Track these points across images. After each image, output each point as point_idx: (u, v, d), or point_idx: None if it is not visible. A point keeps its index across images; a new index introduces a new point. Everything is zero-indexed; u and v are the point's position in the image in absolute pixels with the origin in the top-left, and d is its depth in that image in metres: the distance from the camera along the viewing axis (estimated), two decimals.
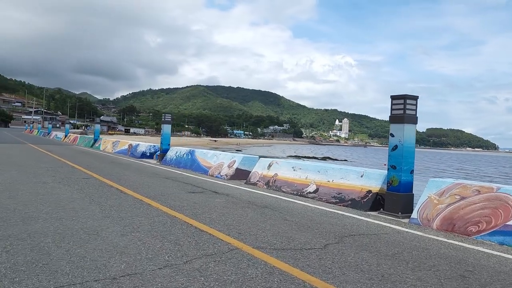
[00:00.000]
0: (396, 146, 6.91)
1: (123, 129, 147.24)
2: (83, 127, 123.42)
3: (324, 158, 64.13)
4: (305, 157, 65.11)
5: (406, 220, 6.57)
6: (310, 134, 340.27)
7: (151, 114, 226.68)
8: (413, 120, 6.88)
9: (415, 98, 6.90)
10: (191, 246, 4.33)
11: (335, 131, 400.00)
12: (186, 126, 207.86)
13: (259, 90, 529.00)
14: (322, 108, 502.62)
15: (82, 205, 6.36)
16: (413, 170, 6.95)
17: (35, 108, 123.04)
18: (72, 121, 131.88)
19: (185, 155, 14.36)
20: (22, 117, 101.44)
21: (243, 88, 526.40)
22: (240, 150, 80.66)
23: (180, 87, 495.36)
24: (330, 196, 8.07)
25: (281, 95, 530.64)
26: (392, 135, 6.99)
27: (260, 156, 11.47)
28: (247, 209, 6.75)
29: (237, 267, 3.72)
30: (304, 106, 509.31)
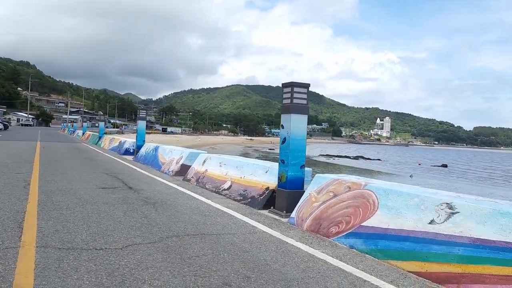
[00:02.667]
0: (285, 139, 6.32)
1: (161, 128, 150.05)
2: (122, 126, 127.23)
3: (356, 157, 62.72)
4: (336, 156, 63.96)
5: (286, 220, 6.00)
6: (350, 133, 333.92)
7: (190, 113, 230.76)
8: (303, 110, 6.27)
9: (306, 86, 6.29)
10: None
11: (376, 130, 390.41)
12: (224, 125, 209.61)
13: None
14: (363, 107, 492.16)
15: None
16: (303, 165, 6.34)
17: (76, 108, 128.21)
18: (112, 121, 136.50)
19: (151, 151, 14.20)
20: (63, 117, 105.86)
21: None
22: (272, 149, 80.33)
23: (220, 86, 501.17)
24: (237, 194, 7.58)
25: (320, 93, 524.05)
26: (282, 127, 6.42)
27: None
28: (124, 206, 6.39)
29: None
30: (344, 105, 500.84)
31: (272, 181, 6.91)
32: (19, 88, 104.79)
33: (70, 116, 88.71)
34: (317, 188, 5.82)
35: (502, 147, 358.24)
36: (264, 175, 7.23)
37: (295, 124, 6.21)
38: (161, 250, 4.16)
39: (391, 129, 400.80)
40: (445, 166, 54.09)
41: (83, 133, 37.99)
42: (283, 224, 5.73)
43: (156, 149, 13.84)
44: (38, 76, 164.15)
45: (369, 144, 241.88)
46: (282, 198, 6.27)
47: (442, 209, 4.08)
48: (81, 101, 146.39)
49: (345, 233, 4.88)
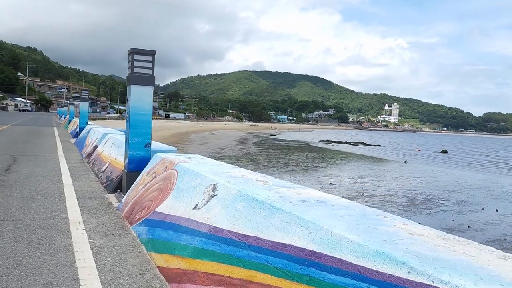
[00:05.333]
0: (128, 114, 5.61)
1: (164, 114, 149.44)
2: (125, 112, 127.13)
3: (356, 143, 61.91)
4: (336, 142, 63.12)
5: (118, 204, 5.31)
6: (357, 120, 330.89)
7: (196, 99, 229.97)
8: (146, 80, 5.53)
9: (150, 53, 5.53)
10: None
11: (384, 116, 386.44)
12: (230, 111, 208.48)
13: (306, 75, 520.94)
14: (371, 93, 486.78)
15: None
16: (149, 144, 5.62)
17: (78, 94, 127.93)
18: (116, 106, 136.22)
19: (86, 133, 13.57)
20: (63, 102, 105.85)
21: (290, 73, 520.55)
22: (274, 135, 79.69)
23: (227, 72, 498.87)
24: (105, 176, 6.91)
25: (328, 79, 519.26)
26: (128, 100, 5.69)
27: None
28: None
29: None
30: (352, 91, 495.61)
31: None
32: (19, 74, 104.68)
33: (66, 101, 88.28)
34: (148, 169, 5.13)
35: None
36: None
37: (137, 97, 5.49)
38: None
39: (399, 115, 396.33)
40: (445, 152, 53.00)
41: (64, 117, 37.65)
42: (105, 210, 5.05)
43: (89, 130, 13.20)
44: (45, 62, 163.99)
45: (376, 130, 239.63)
46: (125, 180, 5.59)
47: (207, 192, 3.37)
48: (86, 87, 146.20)
49: (141, 220, 4.19)
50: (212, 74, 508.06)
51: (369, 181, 19.37)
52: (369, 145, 61.29)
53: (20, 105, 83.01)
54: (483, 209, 13.91)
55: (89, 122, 19.15)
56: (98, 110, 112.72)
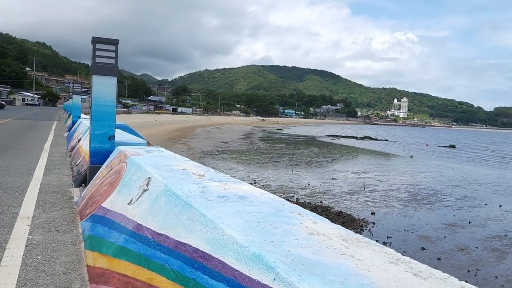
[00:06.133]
0: (91, 106, 5.42)
1: (171, 109, 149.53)
2: (131, 106, 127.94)
3: (363, 138, 61.50)
4: (342, 136, 62.74)
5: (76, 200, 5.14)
6: (365, 114, 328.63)
7: (204, 93, 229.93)
8: (109, 71, 5.33)
9: (113, 42, 5.33)
10: None
11: (393, 110, 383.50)
12: (237, 105, 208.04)
13: (315, 69, 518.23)
14: (380, 87, 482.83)
15: None
16: (112, 136, 5.44)
17: (86, 88, 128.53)
18: (124, 101, 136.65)
19: (77, 126, 13.46)
20: (69, 96, 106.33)
21: (298, 67, 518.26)
22: (281, 129, 79.44)
23: (235, 67, 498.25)
24: (77, 169, 6.75)
25: (337, 74, 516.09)
26: (91, 91, 5.50)
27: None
28: None
29: None
30: (361, 85, 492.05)
31: None
32: (27, 68, 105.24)
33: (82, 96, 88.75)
34: (107, 162, 4.94)
35: None
36: None
37: (99, 88, 5.30)
38: None
39: (409, 110, 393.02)
40: (453, 146, 52.36)
41: (66, 112, 37.83)
42: (62, 205, 4.88)
43: (79, 124, 13.09)
44: (53, 57, 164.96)
45: (384, 125, 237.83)
46: (88, 174, 5.42)
47: (142, 186, 3.17)
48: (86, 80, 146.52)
49: (89, 215, 4.00)
50: (220, 68, 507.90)
51: (372, 175, 19.08)
52: (376, 139, 60.81)
53: (27, 99, 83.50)
54: (486, 204, 13.61)
55: (82, 115, 19.09)
56: None
